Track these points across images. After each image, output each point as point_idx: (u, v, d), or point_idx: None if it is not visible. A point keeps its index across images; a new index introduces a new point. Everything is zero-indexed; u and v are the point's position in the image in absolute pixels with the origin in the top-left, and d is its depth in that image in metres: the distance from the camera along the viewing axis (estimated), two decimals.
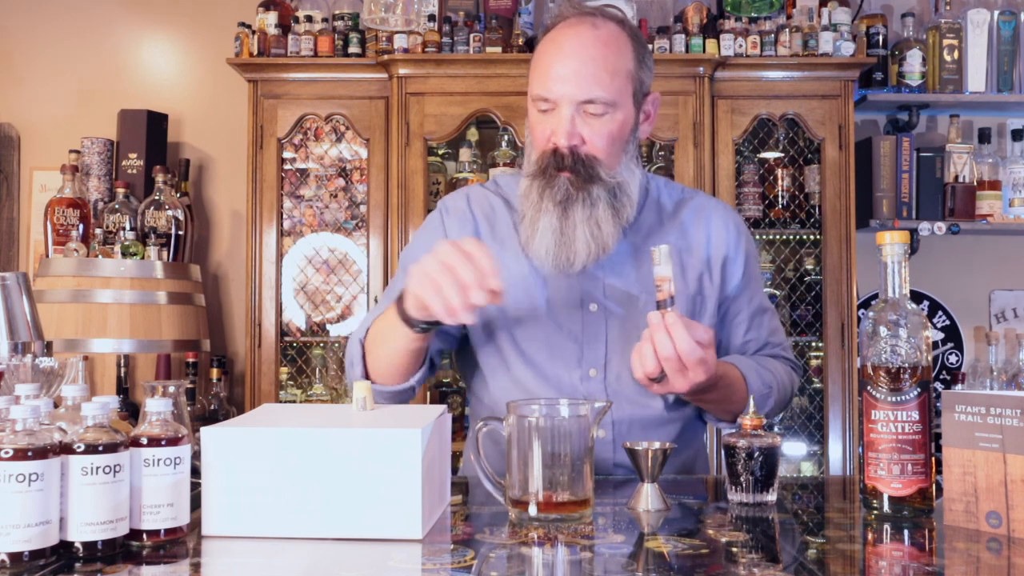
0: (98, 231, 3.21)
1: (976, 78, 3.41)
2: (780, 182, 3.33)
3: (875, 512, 1.20)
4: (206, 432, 1.09)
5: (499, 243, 1.63)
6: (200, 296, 3.34)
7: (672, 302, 1.34)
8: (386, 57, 3.15)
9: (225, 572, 1.02)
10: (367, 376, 1.55)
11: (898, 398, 1.19)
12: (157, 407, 1.06)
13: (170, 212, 3.27)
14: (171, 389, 1.34)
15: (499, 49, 3.18)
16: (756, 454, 1.26)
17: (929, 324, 1.23)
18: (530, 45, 3.23)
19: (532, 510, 1.15)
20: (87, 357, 2.91)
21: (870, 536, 1.16)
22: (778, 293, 3.35)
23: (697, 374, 1.35)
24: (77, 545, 0.98)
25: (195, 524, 1.09)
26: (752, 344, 1.69)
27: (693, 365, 1.34)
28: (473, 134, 3.32)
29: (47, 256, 3.23)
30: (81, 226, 3.22)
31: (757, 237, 3.35)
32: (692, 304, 1.62)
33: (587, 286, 1.59)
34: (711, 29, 3.22)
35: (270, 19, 3.25)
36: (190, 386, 2.88)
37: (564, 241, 1.52)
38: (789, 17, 3.28)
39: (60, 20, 3.68)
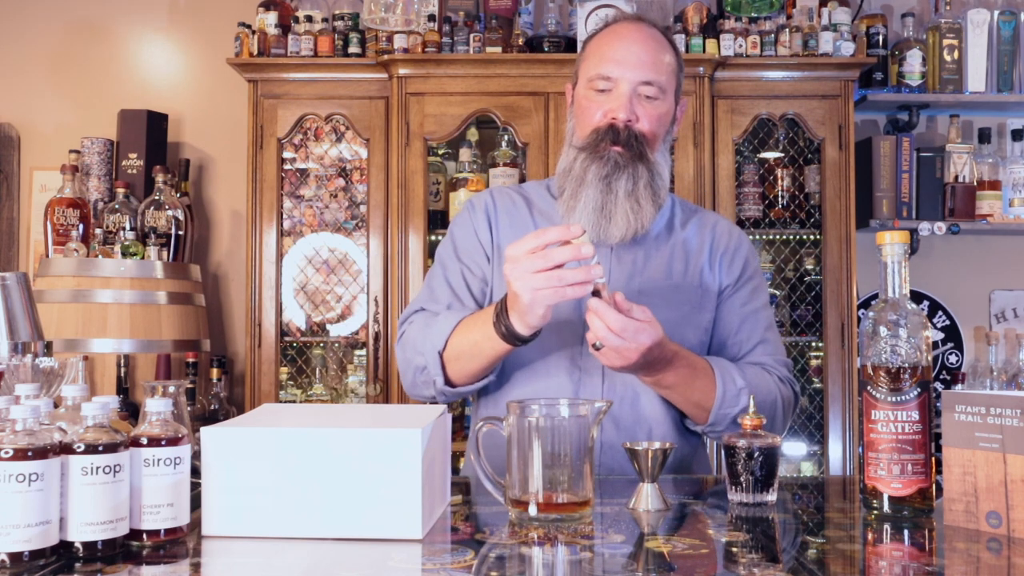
0: (98, 231, 3.21)
1: (976, 78, 3.41)
2: (780, 182, 3.33)
3: (875, 512, 1.20)
4: (206, 432, 1.09)
5: (513, 227, 1.73)
6: (200, 296, 3.34)
7: (600, 293, 1.39)
8: (386, 57, 3.15)
9: (225, 572, 1.02)
10: (448, 383, 1.60)
11: (898, 398, 1.19)
12: (157, 407, 1.06)
13: (170, 212, 3.27)
14: (171, 389, 1.34)
15: (499, 49, 3.18)
16: (756, 454, 1.26)
17: (929, 324, 1.23)
18: (530, 45, 3.23)
19: (532, 510, 1.15)
20: (87, 357, 2.91)
21: (870, 536, 1.16)
22: (778, 293, 3.35)
23: (639, 341, 1.39)
24: (77, 545, 0.98)
25: (195, 524, 1.09)
26: (741, 346, 1.70)
27: (630, 335, 1.38)
28: (473, 134, 3.32)
29: (47, 256, 3.23)
30: (81, 226, 3.22)
31: (757, 237, 3.35)
32: (695, 295, 1.69)
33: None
34: (711, 29, 3.22)
35: (270, 19, 3.25)
36: (190, 386, 2.88)
37: (605, 214, 1.61)
38: (789, 17, 3.28)
39: (60, 20, 3.68)
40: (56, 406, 1.16)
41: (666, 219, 1.74)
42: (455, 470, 1.63)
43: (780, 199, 3.32)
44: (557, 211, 1.70)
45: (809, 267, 3.33)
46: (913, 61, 3.37)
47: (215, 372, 3.07)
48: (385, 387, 3.19)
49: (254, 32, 3.23)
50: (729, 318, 1.71)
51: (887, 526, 1.17)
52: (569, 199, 1.64)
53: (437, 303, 1.68)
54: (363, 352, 3.28)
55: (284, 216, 3.29)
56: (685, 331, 1.66)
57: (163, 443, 1.04)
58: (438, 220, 3.28)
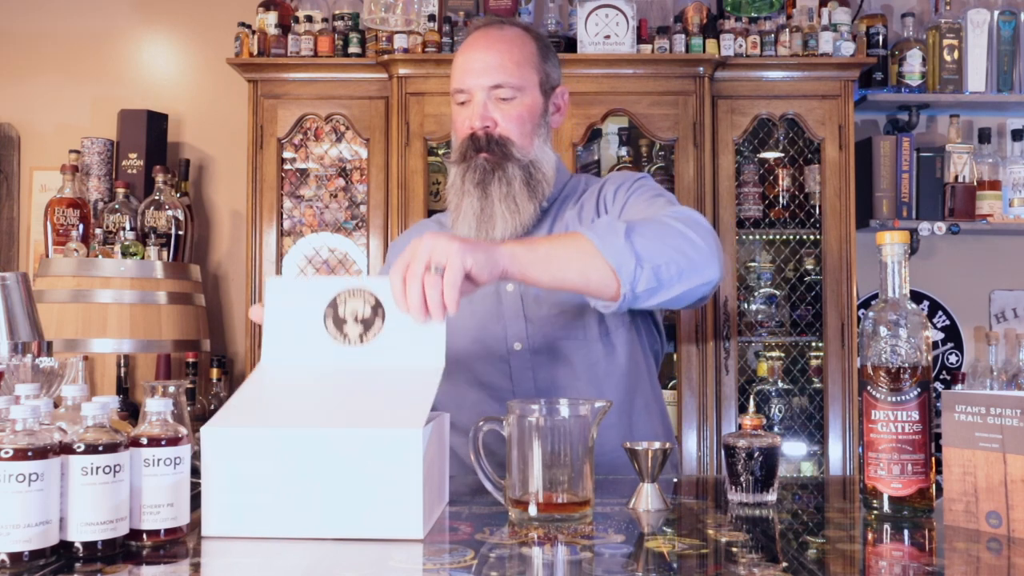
0: (98, 231, 3.21)
1: (976, 78, 3.41)
2: (780, 182, 3.33)
3: (875, 512, 1.20)
4: (206, 431, 1.09)
5: None
6: (200, 296, 3.34)
7: None
8: (386, 57, 3.15)
9: (225, 572, 1.02)
10: None
11: (898, 398, 1.19)
12: (157, 407, 1.06)
13: (170, 212, 3.27)
14: (171, 389, 1.34)
15: None
16: (756, 454, 1.26)
17: (929, 324, 1.23)
18: None
19: (532, 510, 1.15)
20: (87, 357, 2.91)
21: (870, 536, 1.16)
22: (778, 293, 3.35)
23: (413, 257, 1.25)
24: (77, 545, 0.98)
25: (195, 524, 1.09)
26: None
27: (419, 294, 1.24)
28: None
29: (47, 256, 3.23)
30: (81, 226, 3.22)
31: (757, 237, 3.35)
32: None
33: None
34: (711, 29, 3.22)
35: (270, 19, 3.25)
36: (190, 386, 2.88)
37: (484, 218, 1.66)
38: (789, 17, 3.28)
39: (61, 20, 3.68)
40: (56, 406, 1.16)
41: (572, 198, 1.75)
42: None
43: (780, 199, 3.32)
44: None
45: (809, 267, 3.33)
46: (913, 61, 3.37)
47: (215, 372, 3.07)
48: None
49: (254, 32, 3.23)
50: None
51: (887, 526, 1.17)
52: (454, 210, 1.70)
53: None
54: None
55: (284, 216, 3.29)
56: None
57: (163, 443, 1.04)
58: None
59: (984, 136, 3.46)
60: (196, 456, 1.16)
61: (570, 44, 3.21)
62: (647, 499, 1.24)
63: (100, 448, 0.98)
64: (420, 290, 1.23)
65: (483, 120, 1.66)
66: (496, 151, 1.65)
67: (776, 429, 3.27)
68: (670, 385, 3.28)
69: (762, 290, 3.36)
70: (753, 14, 3.28)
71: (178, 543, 1.05)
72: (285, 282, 1.36)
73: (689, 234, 1.43)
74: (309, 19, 3.24)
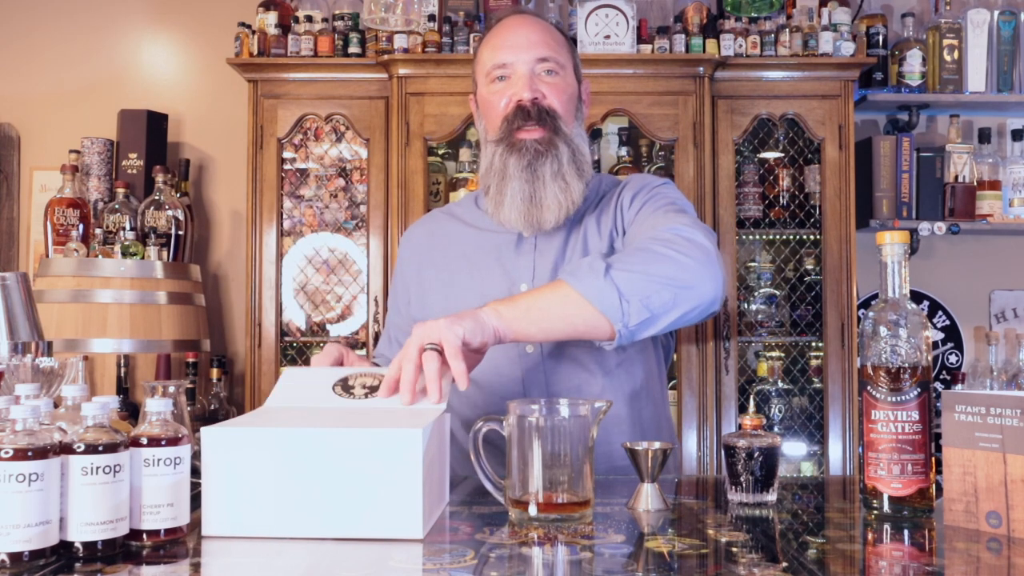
0: (98, 231, 3.21)
1: (976, 78, 3.41)
2: (780, 182, 3.33)
3: (875, 512, 1.20)
4: (206, 432, 1.09)
5: (447, 248, 1.73)
6: (200, 296, 3.34)
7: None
8: (386, 57, 3.15)
9: (225, 572, 1.02)
10: None
11: (898, 398, 1.19)
12: (157, 407, 1.06)
13: (170, 212, 3.27)
14: (171, 389, 1.34)
15: None
16: (756, 454, 1.26)
17: (929, 324, 1.23)
18: None
19: (532, 510, 1.15)
20: (87, 357, 2.91)
21: (870, 536, 1.16)
22: (778, 293, 3.35)
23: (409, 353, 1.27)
24: (77, 545, 0.98)
25: (195, 524, 1.09)
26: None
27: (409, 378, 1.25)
28: (473, 134, 3.32)
29: (47, 256, 3.23)
30: (81, 226, 3.22)
31: (757, 237, 3.35)
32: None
33: (519, 270, 1.65)
34: (711, 29, 3.22)
35: (270, 19, 3.25)
36: (190, 386, 2.88)
37: (535, 203, 1.59)
38: (789, 17, 3.28)
39: (61, 20, 3.68)
40: (56, 406, 1.16)
41: (592, 201, 1.70)
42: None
43: (780, 199, 3.32)
44: (486, 221, 1.70)
45: (809, 267, 3.33)
46: (913, 61, 3.37)
47: (215, 372, 3.07)
48: None
49: (254, 32, 3.23)
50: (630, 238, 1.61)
51: (887, 526, 1.17)
52: (495, 195, 1.62)
53: (390, 344, 1.80)
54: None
55: (284, 216, 3.29)
56: None
57: (163, 443, 1.04)
58: None
59: (984, 136, 3.46)
60: (196, 456, 1.16)
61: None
62: (647, 499, 1.24)
63: (100, 448, 0.98)
64: (415, 368, 1.24)
65: (532, 91, 1.59)
66: (548, 122, 1.59)
67: (776, 429, 3.27)
68: (670, 385, 3.28)
69: (762, 290, 3.36)
70: (753, 14, 3.28)
71: (178, 543, 1.05)
72: (301, 368, 1.44)
73: (676, 256, 1.40)
74: (309, 19, 3.24)
